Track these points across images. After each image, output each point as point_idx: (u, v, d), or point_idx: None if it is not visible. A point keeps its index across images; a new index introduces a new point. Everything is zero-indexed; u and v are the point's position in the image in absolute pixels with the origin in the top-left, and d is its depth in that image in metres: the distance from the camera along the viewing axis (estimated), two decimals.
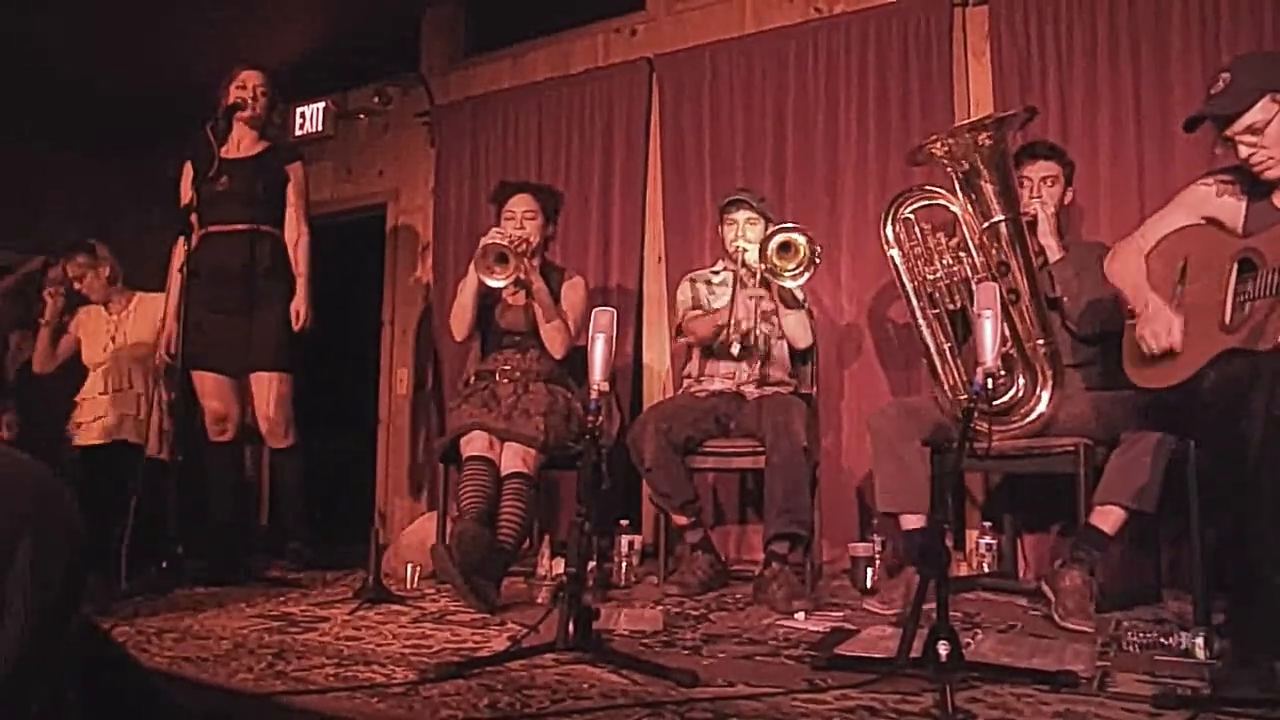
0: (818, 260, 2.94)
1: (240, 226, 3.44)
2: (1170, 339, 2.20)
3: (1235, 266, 2.16)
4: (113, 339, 4.04)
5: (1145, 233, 2.42)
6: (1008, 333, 2.67)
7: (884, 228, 2.86)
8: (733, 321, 3.03)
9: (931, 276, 2.81)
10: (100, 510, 3.53)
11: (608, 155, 4.30)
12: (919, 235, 2.83)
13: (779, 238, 2.95)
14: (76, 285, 4.04)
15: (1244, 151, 2.14)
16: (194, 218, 3.35)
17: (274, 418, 3.47)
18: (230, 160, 3.48)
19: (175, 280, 3.48)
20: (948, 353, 2.79)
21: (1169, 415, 2.40)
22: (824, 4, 3.91)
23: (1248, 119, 2.11)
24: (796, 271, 2.95)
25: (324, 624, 2.41)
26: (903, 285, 2.84)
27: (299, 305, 3.49)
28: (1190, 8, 3.18)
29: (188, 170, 3.52)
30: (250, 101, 3.49)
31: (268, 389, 3.45)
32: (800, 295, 3.12)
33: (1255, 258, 2.13)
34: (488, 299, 3.26)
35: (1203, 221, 2.30)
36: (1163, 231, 2.36)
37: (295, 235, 3.56)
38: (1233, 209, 2.25)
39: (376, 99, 5.02)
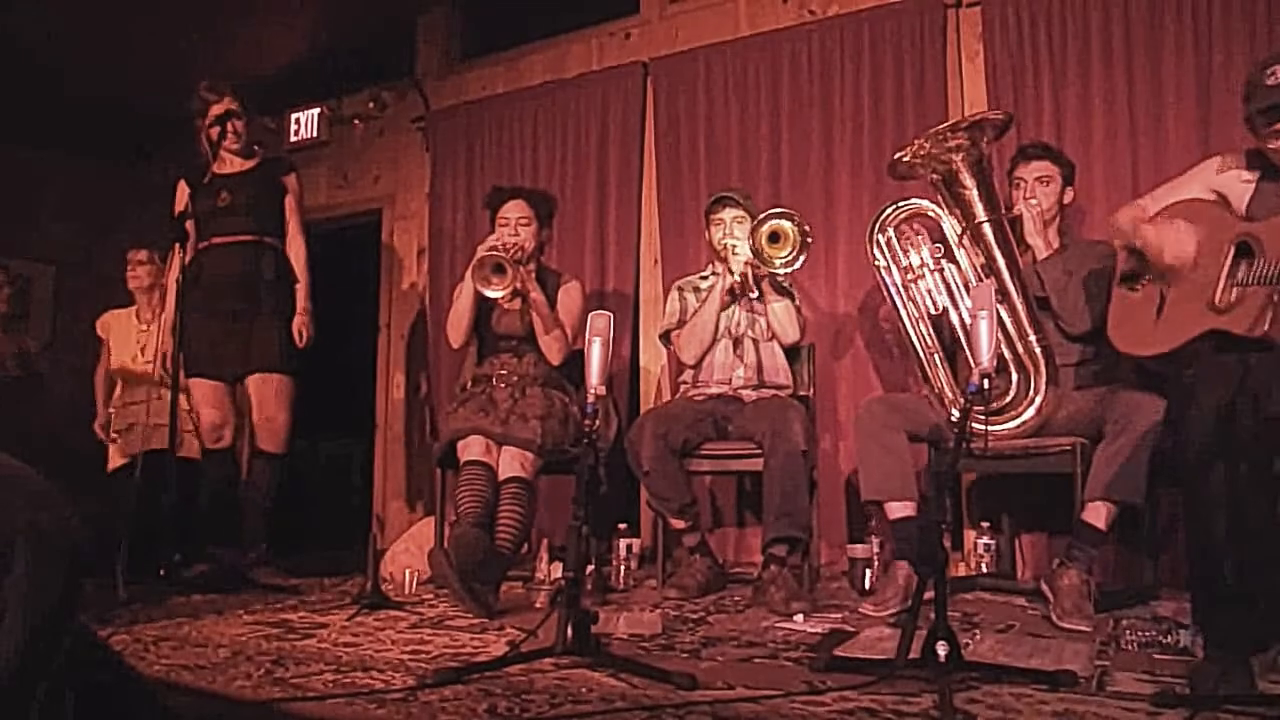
0: (809, 240, 2.95)
1: (243, 238, 3.45)
2: (1189, 247, 2.19)
3: (1232, 249, 2.17)
4: (141, 350, 4.05)
5: (1156, 195, 2.43)
6: (999, 333, 2.68)
7: (869, 245, 2.88)
8: (719, 334, 3.15)
9: (919, 284, 2.82)
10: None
11: (603, 159, 4.30)
12: (899, 246, 2.85)
13: (766, 227, 2.96)
14: (130, 272, 4.13)
15: None
16: (190, 225, 3.36)
17: (274, 419, 3.43)
18: (226, 175, 3.51)
19: (171, 292, 3.49)
20: (938, 359, 2.80)
21: (1158, 385, 2.42)
22: (817, 6, 3.92)
23: None
24: (789, 257, 2.96)
25: (322, 630, 2.41)
26: (892, 298, 2.87)
27: (301, 324, 3.49)
28: (1183, 9, 3.19)
29: (182, 188, 3.54)
30: (231, 132, 3.46)
31: (268, 389, 3.43)
32: (786, 284, 3.14)
33: (1254, 244, 2.13)
34: (484, 305, 3.26)
35: (1212, 196, 2.31)
36: (1172, 200, 2.36)
37: (295, 248, 3.57)
38: (1242, 188, 2.26)
39: (371, 104, 5.02)
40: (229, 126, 3.43)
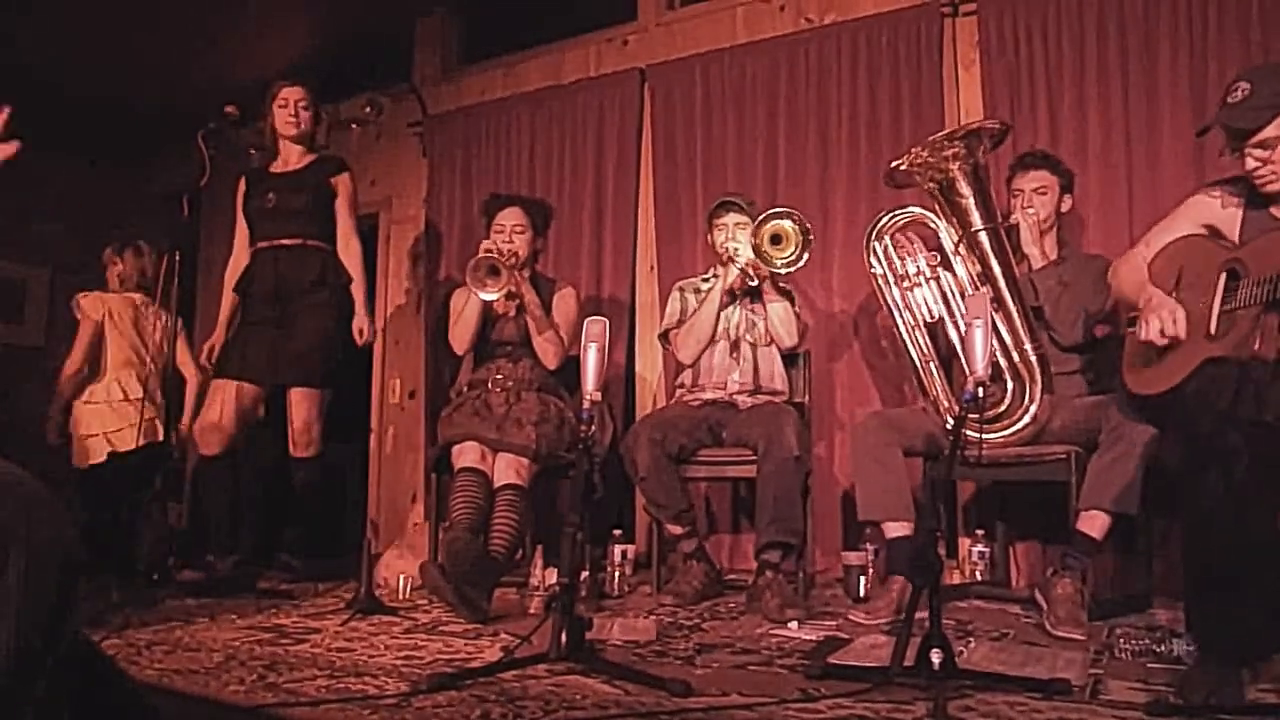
0: (811, 238, 2.96)
1: (287, 241, 3.46)
2: (1176, 328, 2.19)
3: (1223, 277, 2.18)
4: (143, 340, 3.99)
5: (1150, 240, 2.45)
6: (994, 341, 2.69)
7: (866, 252, 2.90)
8: (717, 336, 3.15)
9: (915, 292, 2.83)
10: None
11: (599, 165, 4.31)
12: (896, 254, 2.86)
13: (767, 229, 2.97)
14: (118, 283, 4.04)
15: (1250, 164, 2.15)
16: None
17: (307, 433, 3.47)
18: (277, 175, 3.54)
19: (229, 294, 3.58)
20: (934, 368, 2.81)
21: (1153, 415, 2.42)
22: (815, 14, 3.93)
23: (1262, 134, 2.11)
24: (792, 257, 2.97)
25: (316, 635, 2.40)
26: (887, 306, 2.88)
27: (361, 322, 3.52)
28: (1178, 18, 3.21)
29: (241, 186, 3.59)
30: (292, 119, 3.51)
31: (305, 405, 3.45)
32: (786, 285, 3.16)
33: (1240, 268, 2.15)
34: (486, 314, 3.26)
35: (1203, 230, 2.32)
36: (1165, 241, 2.38)
37: (347, 248, 3.57)
38: (1231, 217, 2.28)
39: (368, 109, 5.02)
40: (296, 106, 3.49)
